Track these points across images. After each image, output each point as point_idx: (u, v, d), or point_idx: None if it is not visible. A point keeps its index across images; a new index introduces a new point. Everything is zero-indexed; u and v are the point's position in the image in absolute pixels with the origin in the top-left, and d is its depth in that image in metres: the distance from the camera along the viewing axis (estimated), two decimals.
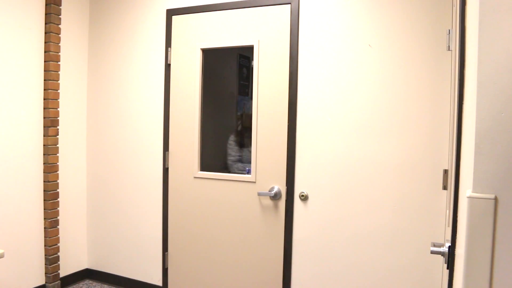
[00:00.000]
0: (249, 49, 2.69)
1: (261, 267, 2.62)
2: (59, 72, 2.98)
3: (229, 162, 2.85)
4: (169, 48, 2.89)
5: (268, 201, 2.59)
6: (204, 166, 2.83)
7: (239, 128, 2.91)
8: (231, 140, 2.86)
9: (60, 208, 3.04)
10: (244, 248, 2.68)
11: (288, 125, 2.53)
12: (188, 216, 2.86)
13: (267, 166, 2.60)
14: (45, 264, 2.96)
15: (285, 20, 2.50)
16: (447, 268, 1.19)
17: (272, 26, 2.55)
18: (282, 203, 2.55)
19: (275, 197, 2.55)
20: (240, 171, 2.78)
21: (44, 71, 2.91)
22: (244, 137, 2.83)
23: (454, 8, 1.88)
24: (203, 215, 2.80)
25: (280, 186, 2.55)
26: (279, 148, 2.56)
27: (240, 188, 2.67)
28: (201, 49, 2.78)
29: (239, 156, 2.83)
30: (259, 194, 2.55)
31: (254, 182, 2.63)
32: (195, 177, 2.80)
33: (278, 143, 2.56)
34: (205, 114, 2.85)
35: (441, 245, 1.25)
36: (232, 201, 2.70)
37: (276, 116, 2.56)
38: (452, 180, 1.33)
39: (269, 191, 2.58)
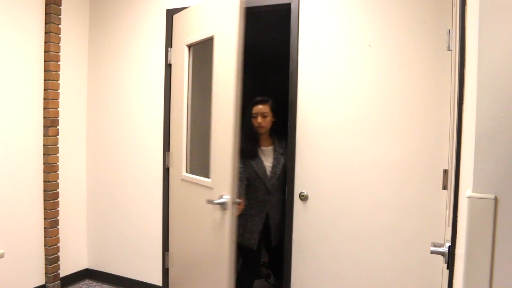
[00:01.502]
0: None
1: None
2: (59, 72, 2.98)
3: None
4: (169, 48, 2.89)
5: (218, 211, 2.21)
6: (194, 168, 2.64)
7: None
8: None
9: (60, 208, 3.04)
10: (200, 252, 2.47)
11: (288, 125, 2.53)
12: (184, 216, 2.85)
13: (222, 172, 2.21)
14: (45, 264, 2.96)
15: (234, 15, 2.12)
16: (447, 268, 1.19)
17: (225, 22, 2.19)
18: (228, 215, 2.14)
19: (223, 206, 2.16)
20: None
21: (44, 71, 2.91)
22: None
23: (454, 8, 1.88)
24: (188, 217, 2.67)
25: (230, 195, 2.13)
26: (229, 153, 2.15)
27: (203, 193, 2.36)
28: (186, 45, 2.61)
29: None
30: (208, 202, 2.21)
31: (212, 188, 2.28)
32: (181, 179, 2.68)
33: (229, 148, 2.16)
34: (197, 114, 2.66)
35: (441, 245, 1.25)
36: (197, 206, 2.44)
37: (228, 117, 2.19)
38: (452, 180, 1.33)
39: (218, 199, 2.17)
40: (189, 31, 2.61)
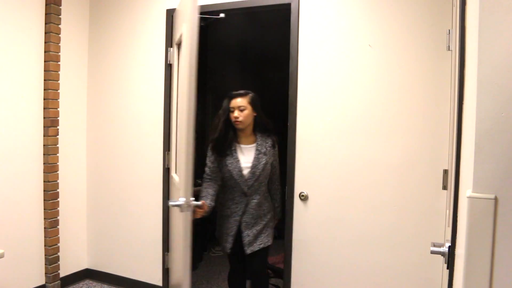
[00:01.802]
0: None
1: None
2: (59, 72, 2.98)
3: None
4: (169, 48, 2.89)
5: (179, 212, 2.10)
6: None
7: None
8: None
9: (60, 208, 3.04)
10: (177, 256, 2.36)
11: (288, 125, 2.53)
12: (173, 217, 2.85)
13: (181, 173, 2.13)
14: (45, 264, 2.96)
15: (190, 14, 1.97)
16: (447, 268, 1.19)
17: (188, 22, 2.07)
18: (182, 218, 2.03)
19: (180, 208, 2.03)
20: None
21: (44, 71, 2.91)
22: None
23: (454, 8, 1.88)
24: (172, 218, 2.69)
25: (184, 197, 2.02)
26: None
27: (177, 193, 2.30)
28: (176, 44, 2.61)
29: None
30: (170, 205, 2.22)
31: (180, 189, 2.21)
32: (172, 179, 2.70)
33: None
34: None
35: (441, 245, 1.25)
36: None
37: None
38: (452, 180, 1.33)
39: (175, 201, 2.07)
40: (176, 28, 2.62)
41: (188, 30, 1.96)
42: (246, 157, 2.33)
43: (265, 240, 2.34)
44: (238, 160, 2.30)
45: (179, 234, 2.19)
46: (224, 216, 2.38)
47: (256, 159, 2.31)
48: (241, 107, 2.29)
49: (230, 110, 2.32)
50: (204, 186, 2.34)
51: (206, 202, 2.23)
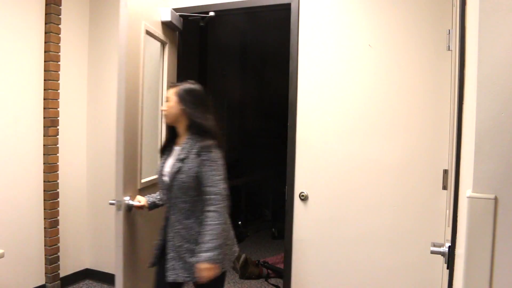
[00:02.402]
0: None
1: None
2: (59, 72, 2.98)
3: None
4: None
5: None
6: None
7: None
8: None
9: (60, 208, 3.04)
10: None
11: (288, 125, 2.53)
12: None
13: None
14: (45, 264, 2.96)
15: None
16: (447, 268, 1.19)
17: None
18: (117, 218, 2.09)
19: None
20: None
21: (44, 71, 2.91)
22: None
23: (454, 8, 1.88)
24: None
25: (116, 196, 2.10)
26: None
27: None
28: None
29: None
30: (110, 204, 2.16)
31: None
32: None
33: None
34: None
35: (441, 245, 1.25)
36: None
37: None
38: (452, 180, 1.33)
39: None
40: None
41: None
42: (170, 160, 1.89)
43: (170, 273, 1.80)
44: (164, 163, 1.90)
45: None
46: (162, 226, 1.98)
47: (172, 165, 1.83)
48: (167, 98, 1.92)
49: None
50: None
51: (149, 200, 2.08)
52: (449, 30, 2.06)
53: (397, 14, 2.25)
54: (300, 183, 2.50)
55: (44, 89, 2.91)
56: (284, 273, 2.58)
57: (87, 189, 3.30)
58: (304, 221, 2.50)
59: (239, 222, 4.64)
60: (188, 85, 1.90)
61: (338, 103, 2.39)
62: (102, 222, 3.25)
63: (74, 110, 3.16)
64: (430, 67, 2.18)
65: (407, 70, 2.23)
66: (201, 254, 1.70)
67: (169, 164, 1.86)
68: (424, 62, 2.19)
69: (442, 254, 1.22)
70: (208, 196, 1.75)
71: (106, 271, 3.26)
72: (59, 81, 2.98)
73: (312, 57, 2.45)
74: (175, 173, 1.79)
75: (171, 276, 1.79)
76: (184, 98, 1.86)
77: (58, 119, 2.99)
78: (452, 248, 1.10)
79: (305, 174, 2.49)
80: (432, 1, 2.16)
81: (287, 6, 2.50)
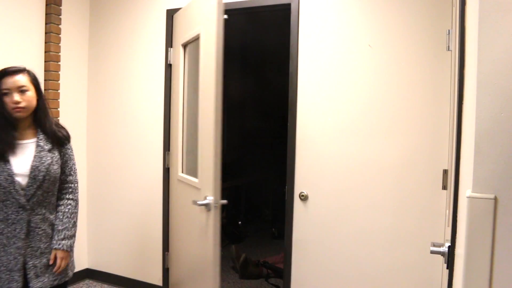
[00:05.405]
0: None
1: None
2: (59, 72, 2.98)
3: None
4: (169, 48, 2.89)
5: (204, 212, 2.16)
6: (190, 169, 2.55)
7: None
8: None
9: None
10: (192, 254, 2.48)
11: (288, 125, 2.53)
12: (180, 216, 2.85)
13: (206, 172, 2.16)
14: None
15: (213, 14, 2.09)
16: (447, 268, 1.19)
17: (206, 22, 2.19)
18: (211, 217, 2.07)
19: (207, 207, 2.10)
20: None
21: (44, 71, 2.91)
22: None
23: (454, 8, 1.88)
24: (183, 217, 2.68)
25: (213, 196, 2.05)
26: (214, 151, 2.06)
27: (193, 193, 2.34)
28: (181, 44, 2.63)
29: None
30: (193, 203, 2.15)
31: (200, 189, 2.24)
32: (178, 180, 2.69)
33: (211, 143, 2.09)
34: (193, 114, 2.53)
35: (441, 245, 1.25)
36: (189, 206, 2.32)
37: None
38: (452, 180, 1.34)
39: (203, 200, 2.11)
40: (183, 30, 2.61)
41: (211, 29, 2.07)
42: (21, 157, 1.67)
43: (35, 282, 1.65)
44: (7, 162, 1.63)
45: (201, 236, 2.21)
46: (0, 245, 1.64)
47: (38, 158, 1.68)
48: (22, 88, 1.65)
49: (3, 93, 1.65)
50: None
51: None
52: (448, 30, 2.06)
53: (397, 14, 2.25)
54: (300, 183, 2.50)
55: (44, 89, 2.91)
56: (284, 273, 2.58)
57: (87, 189, 3.30)
58: (304, 221, 2.50)
59: (239, 222, 4.64)
60: (30, 69, 1.75)
61: (338, 103, 2.39)
62: (102, 222, 3.25)
63: (74, 110, 3.16)
64: (430, 67, 2.18)
65: (407, 70, 2.23)
66: (62, 242, 1.71)
67: (23, 160, 1.67)
68: (424, 62, 2.19)
69: (442, 254, 1.22)
70: (67, 185, 1.82)
71: (106, 271, 3.26)
72: (59, 81, 2.98)
73: (312, 57, 2.45)
74: (49, 165, 1.70)
75: (36, 284, 1.66)
76: (38, 86, 1.75)
77: (58, 119, 2.99)
78: (452, 248, 1.10)
79: (305, 174, 2.49)
80: (432, 1, 2.16)
81: (287, 6, 2.50)
